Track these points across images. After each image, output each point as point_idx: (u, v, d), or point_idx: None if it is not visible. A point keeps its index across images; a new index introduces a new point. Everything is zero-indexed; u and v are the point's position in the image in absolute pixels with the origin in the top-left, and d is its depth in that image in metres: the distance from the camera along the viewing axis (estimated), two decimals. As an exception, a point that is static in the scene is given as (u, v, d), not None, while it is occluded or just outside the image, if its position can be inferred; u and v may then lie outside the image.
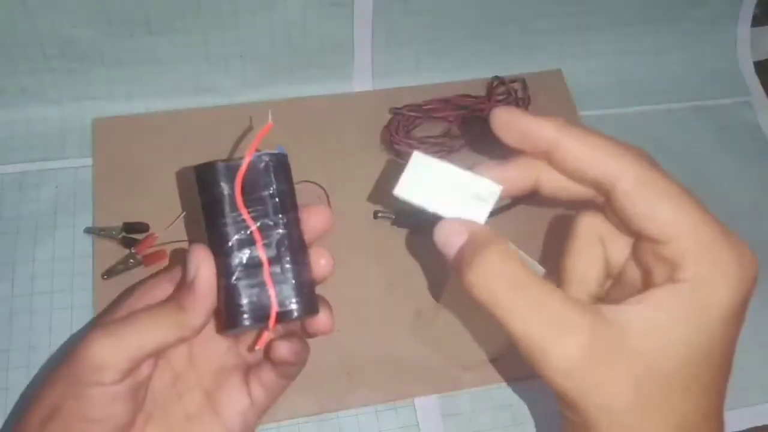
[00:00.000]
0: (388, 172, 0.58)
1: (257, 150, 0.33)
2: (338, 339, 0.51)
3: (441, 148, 0.59)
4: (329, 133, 0.61)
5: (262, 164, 0.33)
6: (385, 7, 0.60)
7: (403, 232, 0.56)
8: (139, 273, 0.52)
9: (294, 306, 0.33)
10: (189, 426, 0.34)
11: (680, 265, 0.26)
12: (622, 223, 0.28)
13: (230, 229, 0.32)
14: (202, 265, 0.32)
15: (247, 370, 0.36)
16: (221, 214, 0.32)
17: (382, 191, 0.58)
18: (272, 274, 0.32)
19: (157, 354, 0.32)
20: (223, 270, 0.32)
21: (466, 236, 0.29)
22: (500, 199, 0.32)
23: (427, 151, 0.58)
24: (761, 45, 0.71)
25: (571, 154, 0.28)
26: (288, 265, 0.33)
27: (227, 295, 0.32)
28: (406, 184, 0.32)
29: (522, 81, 0.61)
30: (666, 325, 0.26)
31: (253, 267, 0.32)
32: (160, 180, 0.56)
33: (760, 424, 0.52)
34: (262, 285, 0.32)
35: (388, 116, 0.60)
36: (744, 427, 0.52)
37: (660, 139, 0.65)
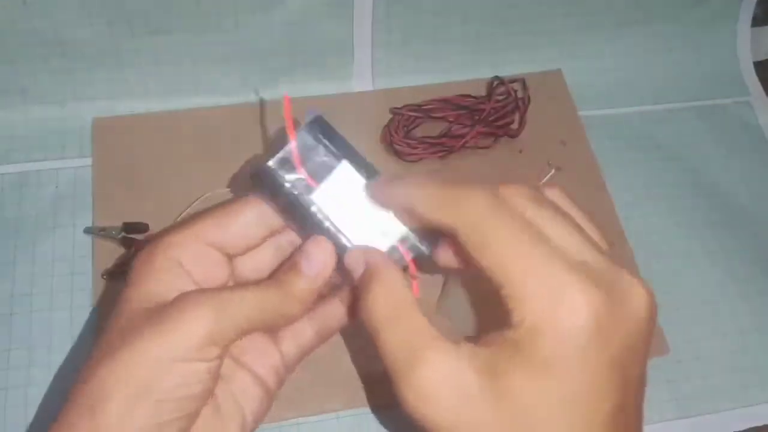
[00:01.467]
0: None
1: (294, 127, 0.31)
2: (338, 340, 0.51)
3: (441, 148, 0.59)
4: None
5: (308, 138, 0.31)
6: (385, 7, 0.60)
7: (403, 232, 0.56)
8: (139, 273, 0.52)
9: (421, 244, 0.31)
10: (229, 388, 0.31)
11: (510, 310, 0.26)
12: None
13: (320, 215, 0.30)
14: (327, 265, 0.30)
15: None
16: (303, 207, 0.30)
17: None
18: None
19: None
20: (339, 253, 0.31)
21: (364, 266, 0.30)
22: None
23: (426, 151, 0.59)
24: (761, 45, 0.71)
25: (418, 209, 0.29)
26: (390, 212, 0.31)
27: None
28: (323, 192, 0.31)
29: (522, 81, 0.61)
30: (487, 367, 0.26)
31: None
32: (160, 180, 0.56)
33: (760, 424, 0.52)
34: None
35: (388, 116, 0.60)
36: (744, 427, 0.52)
37: (660, 139, 0.65)
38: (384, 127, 0.60)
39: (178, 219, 0.54)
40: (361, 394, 0.50)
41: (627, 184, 0.61)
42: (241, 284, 0.31)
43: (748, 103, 0.68)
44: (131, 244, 0.53)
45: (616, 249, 0.57)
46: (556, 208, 0.29)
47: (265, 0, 0.57)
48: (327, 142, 0.31)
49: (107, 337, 0.28)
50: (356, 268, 0.30)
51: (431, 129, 0.60)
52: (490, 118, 0.59)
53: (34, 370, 0.49)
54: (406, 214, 0.30)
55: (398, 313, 0.28)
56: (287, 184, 0.30)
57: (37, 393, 0.48)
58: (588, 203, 0.58)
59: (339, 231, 0.31)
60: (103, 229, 0.53)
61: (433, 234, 0.31)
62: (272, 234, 0.32)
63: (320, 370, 0.50)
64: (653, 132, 0.65)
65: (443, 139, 0.59)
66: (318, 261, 0.30)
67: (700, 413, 0.52)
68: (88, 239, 0.54)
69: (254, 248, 0.32)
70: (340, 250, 0.31)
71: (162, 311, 0.27)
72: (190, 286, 0.29)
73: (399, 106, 0.59)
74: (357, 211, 0.31)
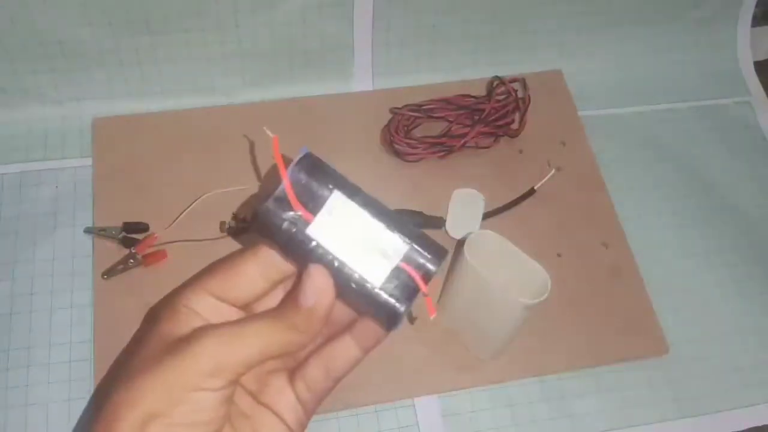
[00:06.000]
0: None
1: (284, 165, 0.31)
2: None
3: (441, 148, 0.59)
4: (329, 133, 0.61)
5: (300, 175, 0.31)
6: (385, 7, 0.60)
7: (403, 232, 0.56)
8: (139, 273, 0.52)
9: (427, 263, 0.31)
10: (251, 425, 0.33)
11: None
12: None
13: (320, 249, 0.30)
14: (324, 293, 0.30)
15: (292, 372, 0.35)
16: (304, 243, 0.30)
17: (382, 191, 0.58)
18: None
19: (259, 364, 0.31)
20: (344, 283, 0.30)
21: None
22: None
23: (426, 151, 0.59)
24: (761, 45, 0.71)
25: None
26: (392, 233, 0.31)
27: (369, 301, 0.30)
28: (320, 224, 0.31)
29: (522, 81, 0.61)
30: None
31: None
32: (160, 180, 0.56)
33: (760, 424, 0.52)
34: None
35: (388, 116, 0.60)
36: (744, 427, 0.52)
37: (660, 139, 0.65)
38: (384, 127, 0.60)
39: (178, 219, 0.54)
40: (361, 394, 0.50)
41: (627, 184, 0.61)
42: (248, 317, 0.32)
43: (748, 103, 0.68)
44: (131, 244, 0.53)
45: (616, 249, 0.57)
46: None
47: (264, 0, 0.57)
48: (318, 176, 0.31)
49: (129, 365, 0.31)
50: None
51: (431, 129, 0.60)
52: (491, 118, 0.59)
53: (34, 370, 0.49)
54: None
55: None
56: (285, 223, 0.30)
57: (37, 393, 0.48)
58: (588, 203, 0.59)
59: (341, 261, 0.30)
60: (103, 229, 0.53)
61: (435, 247, 0.31)
62: (283, 279, 0.33)
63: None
64: (653, 132, 0.65)
65: (443, 139, 0.59)
66: (312, 291, 0.30)
67: (700, 413, 0.52)
68: (88, 239, 0.54)
69: (264, 296, 0.33)
70: (345, 281, 0.30)
71: (177, 344, 0.30)
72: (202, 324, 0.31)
73: (399, 106, 0.59)
74: (355, 238, 0.31)
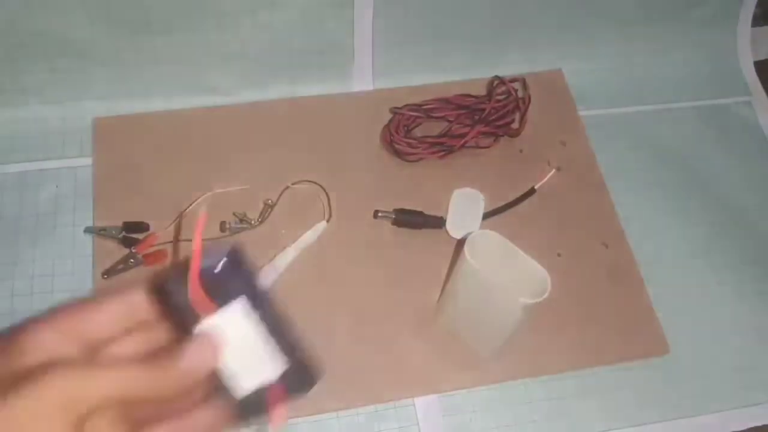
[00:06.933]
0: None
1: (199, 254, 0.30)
2: (338, 339, 0.51)
3: (441, 148, 0.59)
4: (329, 133, 0.61)
5: (221, 264, 0.31)
6: (385, 7, 0.60)
7: (403, 232, 0.56)
8: (140, 272, 0.52)
9: (295, 386, 0.33)
10: None
11: None
12: None
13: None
14: (207, 362, 0.30)
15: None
16: (193, 322, 0.31)
17: (382, 191, 0.58)
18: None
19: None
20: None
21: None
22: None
23: (426, 151, 0.59)
24: (761, 45, 0.71)
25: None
26: (276, 351, 0.32)
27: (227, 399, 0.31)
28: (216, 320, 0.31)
29: (522, 81, 0.61)
30: None
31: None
32: (160, 180, 0.56)
33: (760, 424, 0.52)
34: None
35: (388, 116, 0.60)
36: (744, 427, 0.52)
37: (660, 139, 0.65)
38: (384, 127, 0.60)
39: (178, 219, 0.54)
40: (361, 394, 0.50)
41: (627, 184, 0.61)
42: (110, 358, 0.31)
43: (748, 102, 0.68)
44: (131, 244, 0.53)
45: (616, 249, 0.57)
46: None
47: (265, 0, 0.57)
48: (235, 274, 0.31)
49: None
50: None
51: (431, 129, 0.60)
52: (491, 118, 0.59)
53: (34, 370, 0.49)
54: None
55: None
56: (183, 308, 0.30)
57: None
58: (588, 203, 0.59)
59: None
60: (103, 229, 0.53)
61: (308, 372, 0.33)
62: (138, 328, 0.32)
63: (320, 370, 0.50)
64: (653, 132, 0.65)
65: (443, 139, 0.59)
66: (197, 355, 0.30)
67: (701, 413, 0.52)
68: (88, 239, 0.54)
69: (116, 341, 0.32)
70: (218, 375, 0.31)
71: (25, 377, 0.28)
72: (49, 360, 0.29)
73: (399, 106, 0.59)
74: (238, 347, 0.31)
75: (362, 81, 0.64)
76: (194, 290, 0.30)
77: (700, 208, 0.61)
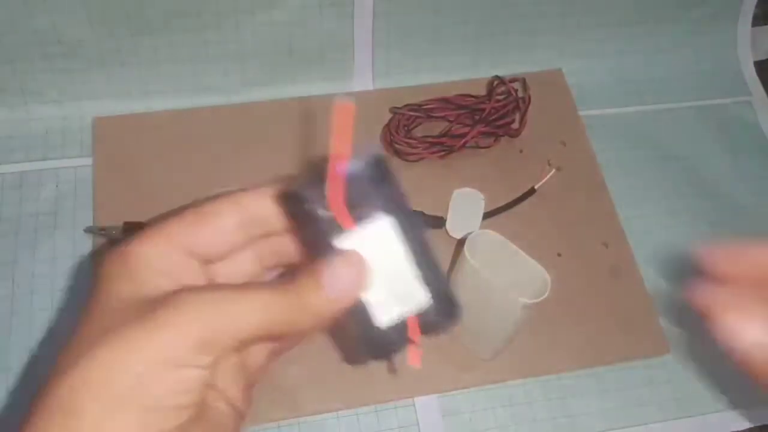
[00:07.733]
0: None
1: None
2: (338, 338, 0.51)
3: (441, 148, 0.59)
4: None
5: (360, 173, 0.28)
6: (385, 7, 0.60)
7: (403, 232, 0.56)
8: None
9: (436, 319, 0.28)
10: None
11: None
12: None
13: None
14: (354, 289, 0.26)
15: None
16: (330, 242, 0.26)
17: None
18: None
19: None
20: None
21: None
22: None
23: (427, 151, 0.59)
24: (761, 45, 0.71)
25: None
26: (419, 281, 0.28)
27: (361, 330, 0.27)
28: (354, 238, 0.27)
29: (522, 81, 0.61)
30: None
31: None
32: (160, 180, 0.56)
33: (760, 423, 0.52)
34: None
35: (388, 116, 0.60)
36: (744, 427, 0.52)
37: (660, 139, 0.65)
38: (384, 127, 0.60)
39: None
40: (361, 394, 0.50)
41: (627, 184, 0.61)
42: (247, 284, 0.27)
43: (748, 102, 0.68)
44: (131, 244, 0.53)
45: (616, 249, 0.57)
46: None
47: (264, 0, 0.57)
48: (379, 189, 0.27)
49: (80, 337, 0.25)
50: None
51: (431, 129, 0.60)
52: (491, 118, 0.59)
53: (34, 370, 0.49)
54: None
55: None
56: (320, 219, 0.26)
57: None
58: (588, 203, 0.59)
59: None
60: (103, 229, 0.53)
61: (450, 309, 0.28)
62: (252, 241, 0.28)
63: (319, 369, 0.50)
64: (653, 132, 0.65)
65: (443, 139, 0.59)
66: (344, 280, 0.25)
67: (700, 413, 0.52)
68: (88, 239, 0.54)
69: (231, 256, 0.28)
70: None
71: (150, 309, 0.24)
72: (173, 286, 0.25)
73: (399, 106, 0.59)
74: (382, 272, 0.27)
75: (362, 81, 0.64)
76: (334, 199, 0.25)
77: (699, 208, 0.61)
